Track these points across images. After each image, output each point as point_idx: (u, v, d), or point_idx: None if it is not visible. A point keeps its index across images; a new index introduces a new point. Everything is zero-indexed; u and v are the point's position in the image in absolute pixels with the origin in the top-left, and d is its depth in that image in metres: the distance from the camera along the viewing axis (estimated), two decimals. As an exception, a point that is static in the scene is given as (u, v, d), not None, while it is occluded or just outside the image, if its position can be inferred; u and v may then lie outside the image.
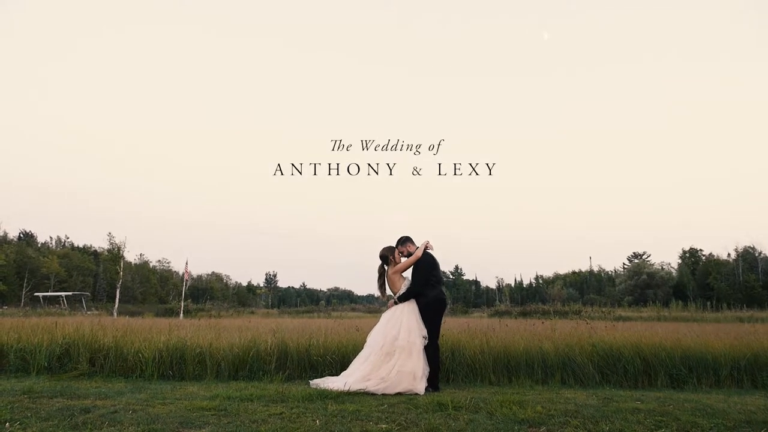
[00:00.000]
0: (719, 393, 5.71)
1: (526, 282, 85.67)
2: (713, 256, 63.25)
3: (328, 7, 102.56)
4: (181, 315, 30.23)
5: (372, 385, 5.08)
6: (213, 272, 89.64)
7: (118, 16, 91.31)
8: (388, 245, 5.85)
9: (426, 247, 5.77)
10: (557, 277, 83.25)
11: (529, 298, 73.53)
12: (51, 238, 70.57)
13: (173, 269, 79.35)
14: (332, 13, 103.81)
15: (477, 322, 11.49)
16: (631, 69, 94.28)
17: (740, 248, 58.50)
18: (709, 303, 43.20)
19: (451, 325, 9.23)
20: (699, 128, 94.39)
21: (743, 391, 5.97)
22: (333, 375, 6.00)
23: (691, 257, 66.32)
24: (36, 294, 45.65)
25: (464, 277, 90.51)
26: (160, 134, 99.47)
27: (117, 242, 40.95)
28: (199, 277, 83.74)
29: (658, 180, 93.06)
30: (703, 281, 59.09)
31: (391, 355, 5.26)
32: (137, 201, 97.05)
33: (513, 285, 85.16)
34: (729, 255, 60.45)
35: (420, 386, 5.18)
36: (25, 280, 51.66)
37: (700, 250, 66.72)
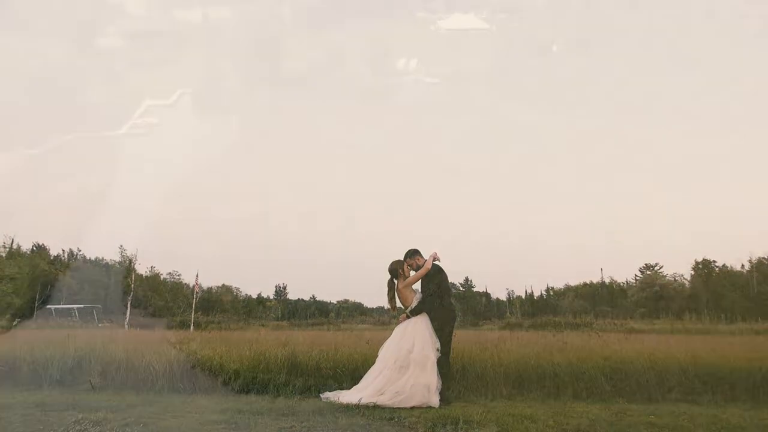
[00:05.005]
0: (735, 407, 5.60)
1: (537, 294, 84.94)
2: (727, 267, 62.36)
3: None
4: (192, 328, 30.22)
5: (386, 399, 5.06)
6: (223, 284, 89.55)
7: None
8: (397, 259, 5.85)
9: (434, 259, 5.77)
10: (568, 289, 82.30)
11: (540, 310, 72.84)
12: (63, 250, 71.09)
13: (184, 281, 79.46)
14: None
15: (488, 335, 11.40)
16: (637, 71, 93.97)
17: (755, 259, 57.68)
18: (723, 315, 42.54)
19: (461, 338, 9.12)
20: (707, 133, 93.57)
21: (759, 405, 5.85)
22: (344, 389, 5.97)
23: (704, 269, 65.42)
24: (48, 306, 45.89)
25: (474, 289, 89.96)
26: (169, 143, 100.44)
27: (128, 255, 41.33)
28: (209, 290, 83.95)
29: (668, 188, 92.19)
30: (717, 293, 58.25)
31: (405, 368, 5.24)
32: (148, 213, 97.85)
33: (524, 297, 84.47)
34: (743, 266, 59.56)
35: (434, 399, 5.15)
36: (38, 293, 52.06)
37: (714, 261, 65.81)
